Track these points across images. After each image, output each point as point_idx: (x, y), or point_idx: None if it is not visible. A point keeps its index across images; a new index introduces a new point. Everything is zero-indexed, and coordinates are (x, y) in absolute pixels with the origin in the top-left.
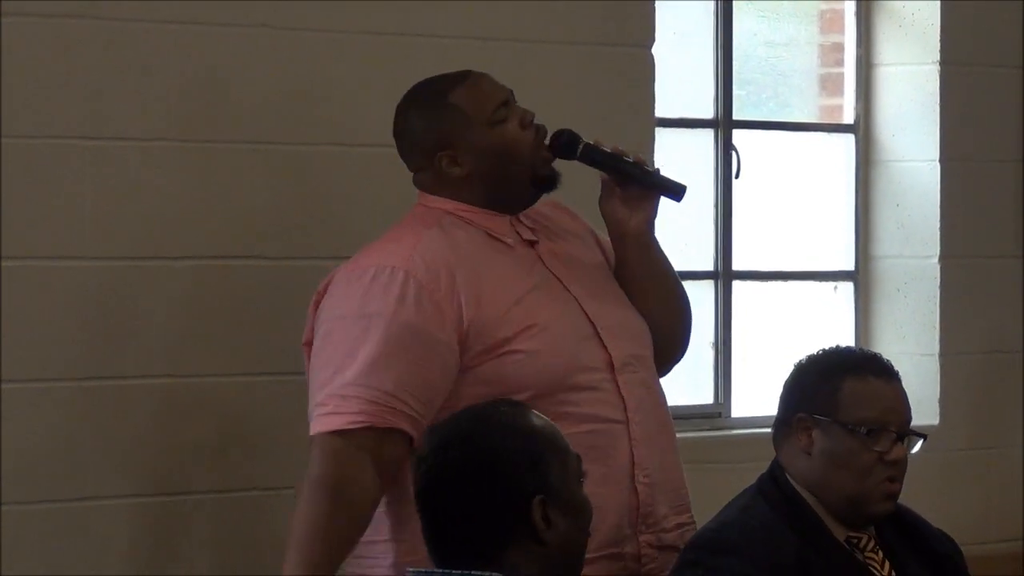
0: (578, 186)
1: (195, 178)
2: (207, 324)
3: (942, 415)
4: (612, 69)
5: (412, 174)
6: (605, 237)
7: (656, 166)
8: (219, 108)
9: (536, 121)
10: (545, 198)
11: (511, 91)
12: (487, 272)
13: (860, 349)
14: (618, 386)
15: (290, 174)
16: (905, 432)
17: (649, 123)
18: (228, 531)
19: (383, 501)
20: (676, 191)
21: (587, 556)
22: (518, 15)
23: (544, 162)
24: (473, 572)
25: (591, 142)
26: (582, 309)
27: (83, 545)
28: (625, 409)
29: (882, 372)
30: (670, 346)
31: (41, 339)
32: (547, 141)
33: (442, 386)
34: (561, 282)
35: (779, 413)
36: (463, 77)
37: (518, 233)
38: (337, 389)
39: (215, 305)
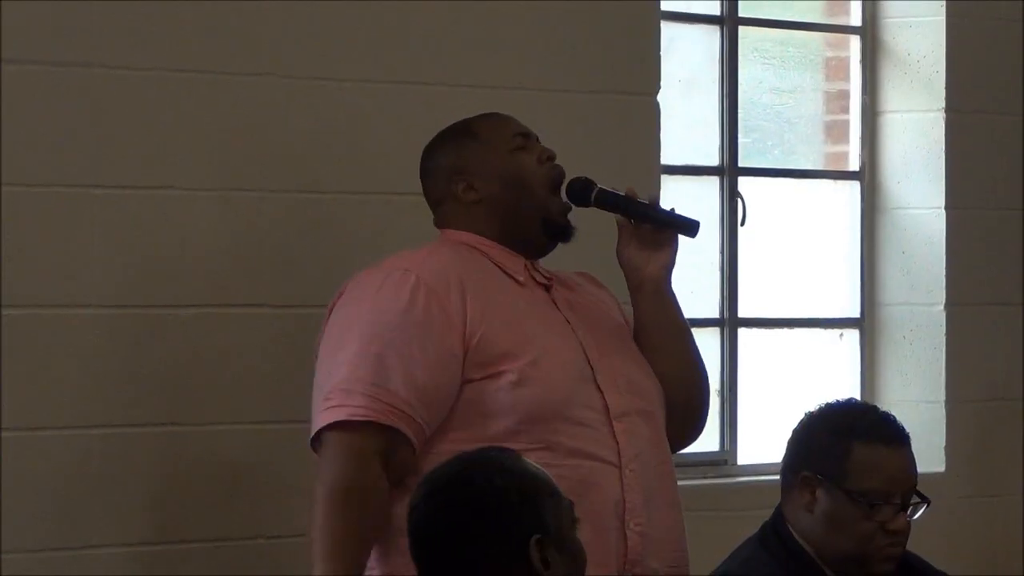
0: (596, 235)
1: (201, 226)
2: (212, 372)
3: (947, 462)
4: (617, 117)
5: (432, 218)
6: (629, 311)
7: (670, 207)
8: (226, 156)
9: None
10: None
11: (536, 134)
12: (496, 294)
13: (873, 409)
14: (613, 431)
15: (297, 222)
16: (909, 501)
17: (655, 171)
18: None
19: None
20: (690, 227)
21: None
22: (523, 64)
23: (559, 207)
24: None
25: (605, 187)
26: (585, 355)
27: None
28: (619, 454)
29: (892, 439)
30: (689, 408)
31: (43, 387)
32: (563, 185)
33: (447, 392)
34: (570, 324)
35: (785, 461)
36: (488, 114)
37: (532, 277)
38: (342, 384)
39: (220, 353)
